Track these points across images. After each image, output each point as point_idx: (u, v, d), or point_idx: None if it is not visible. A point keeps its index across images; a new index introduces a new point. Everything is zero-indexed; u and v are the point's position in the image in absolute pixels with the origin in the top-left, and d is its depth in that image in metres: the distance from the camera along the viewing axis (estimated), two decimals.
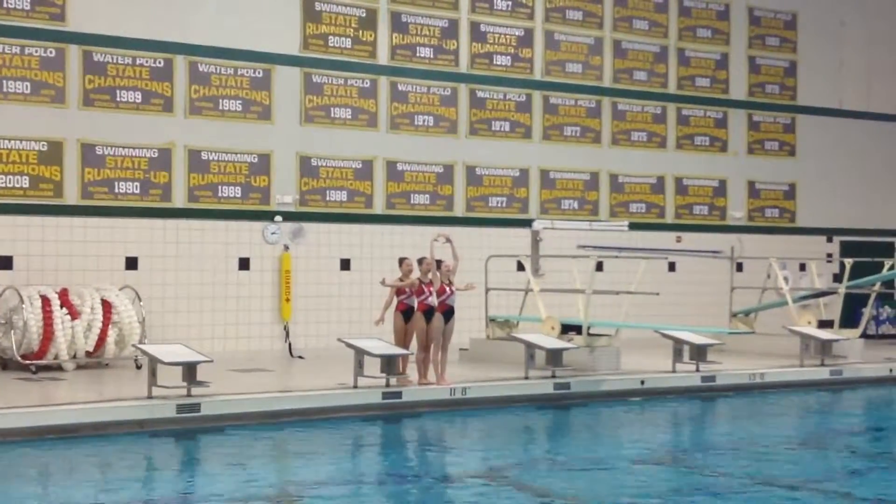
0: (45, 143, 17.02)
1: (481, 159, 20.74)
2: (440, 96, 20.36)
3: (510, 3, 21.12)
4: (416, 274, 14.75)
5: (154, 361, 13.10)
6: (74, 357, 15.87)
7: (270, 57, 18.77)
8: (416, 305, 14.68)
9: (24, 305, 15.60)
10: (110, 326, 16.04)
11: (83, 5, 17.28)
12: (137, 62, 17.69)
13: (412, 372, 14.77)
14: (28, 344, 15.62)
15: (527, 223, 20.35)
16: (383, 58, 19.85)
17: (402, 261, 14.91)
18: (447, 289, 14.63)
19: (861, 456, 12.69)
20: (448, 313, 14.67)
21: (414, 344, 14.79)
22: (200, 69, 18.19)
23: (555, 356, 15.66)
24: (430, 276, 14.62)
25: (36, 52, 16.97)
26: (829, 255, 23.99)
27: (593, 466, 11.55)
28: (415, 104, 20.10)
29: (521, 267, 18.62)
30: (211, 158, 18.25)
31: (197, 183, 18.13)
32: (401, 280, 14.76)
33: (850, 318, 20.12)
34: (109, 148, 17.47)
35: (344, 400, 13.94)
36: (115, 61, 17.53)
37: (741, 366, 17.54)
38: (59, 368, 15.80)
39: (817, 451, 13.01)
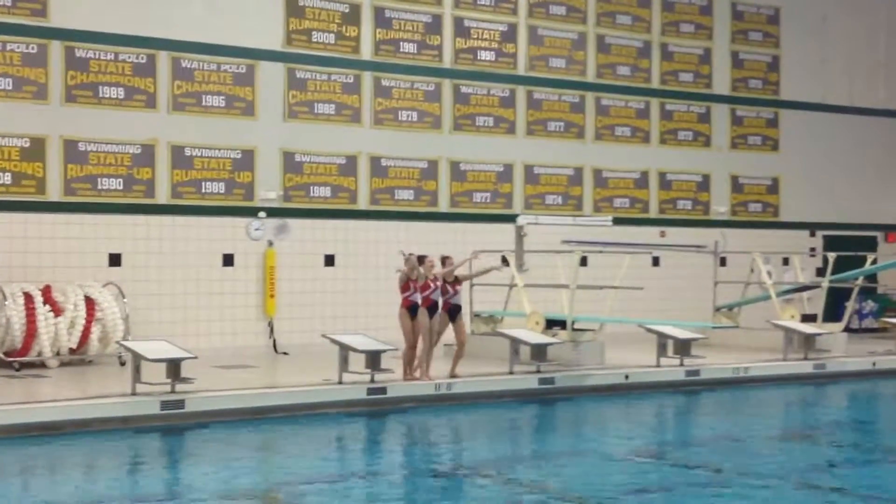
0: (27, 139, 16.94)
1: (465, 155, 20.75)
2: (424, 91, 20.35)
3: None
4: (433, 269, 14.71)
5: (138, 358, 13.07)
6: (58, 354, 15.82)
7: (254, 52, 18.73)
8: (420, 301, 14.55)
9: (6, 302, 15.54)
10: (94, 323, 15.99)
11: (65, 1, 17.19)
12: (120, 58, 17.63)
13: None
14: (11, 341, 15.55)
15: (511, 218, 20.32)
16: (367, 53, 19.82)
17: (408, 257, 14.70)
18: (431, 284, 14.61)
19: (844, 449, 12.75)
20: (432, 308, 14.65)
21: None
22: (183, 65, 18.13)
23: (539, 351, 15.68)
24: (415, 273, 14.57)
25: (18, 48, 16.89)
26: (813, 250, 24.07)
27: (578, 461, 11.58)
28: (398, 99, 20.08)
29: (505, 262, 18.62)
30: (194, 154, 18.20)
31: (180, 179, 18.07)
32: (408, 276, 14.52)
33: (833, 312, 20.18)
34: (92, 144, 17.40)
35: (329, 396, 13.94)
36: (97, 57, 17.47)
37: (725, 360, 17.59)
38: (43, 366, 15.74)
39: (801, 445, 13.06)
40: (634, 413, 14.98)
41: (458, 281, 15.03)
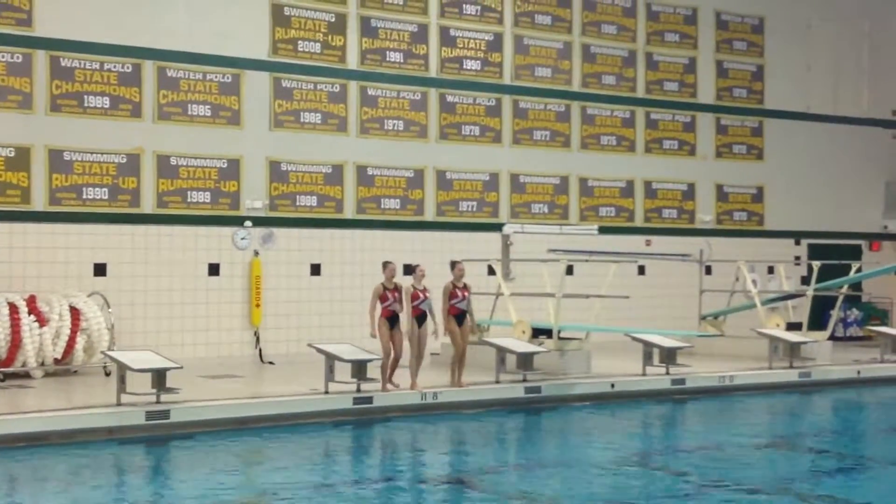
0: (12, 148, 16.89)
1: (451, 164, 20.77)
2: (410, 101, 20.37)
3: (479, 7, 21.17)
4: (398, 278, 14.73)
5: (123, 368, 13.03)
6: (42, 364, 15.75)
7: (239, 62, 18.72)
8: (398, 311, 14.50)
9: None
10: (79, 333, 15.93)
11: (50, 10, 17.17)
12: (105, 67, 17.60)
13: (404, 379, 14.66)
14: None
15: (497, 227, 20.38)
16: (353, 62, 19.84)
17: (385, 265, 14.70)
18: (420, 294, 14.59)
19: (829, 457, 12.78)
20: (421, 318, 14.63)
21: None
22: (169, 74, 18.11)
23: (525, 360, 15.68)
24: (395, 281, 14.54)
25: (3, 57, 16.85)
26: (797, 258, 24.16)
27: (564, 470, 11.58)
28: (385, 109, 20.09)
29: (491, 271, 18.65)
30: (180, 164, 18.17)
31: (166, 188, 18.05)
32: (385, 286, 14.46)
33: (818, 320, 20.26)
34: (77, 154, 17.36)
35: (315, 405, 13.90)
36: (82, 66, 17.44)
37: (711, 368, 17.62)
38: (27, 376, 15.67)
39: (786, 453, 13.09)
40: (620, 422, 14.98)
41: (466, 287, 15.06)
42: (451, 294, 15.00)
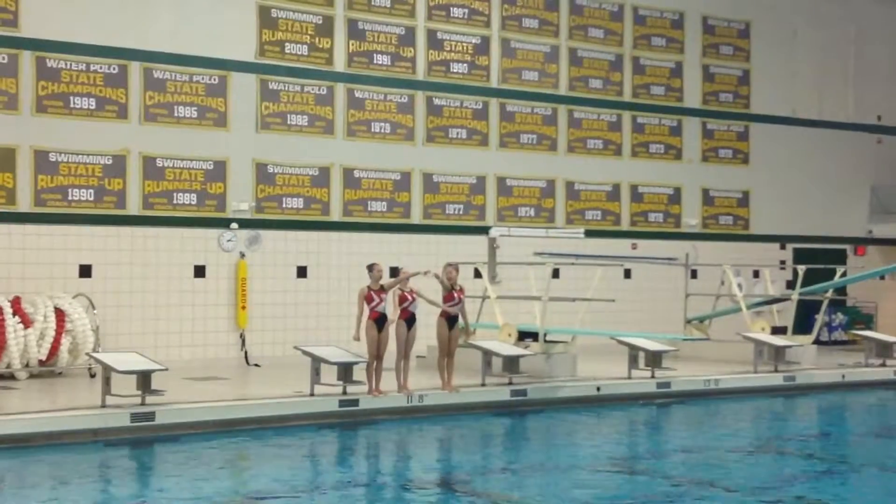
0: None
1: (438, 166, 20.78)
2: (397, 103, 20.37)
3: (467, 10, 21.20)
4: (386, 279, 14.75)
5: (108, 370, 13.00)
6: (27, 366, 15.70)
7: (226, 63, 18.71)
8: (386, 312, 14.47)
9: None
10: (64, 335, 15.88)
11: (36, 11, 17.12)
12: (91, 68, 17.56)
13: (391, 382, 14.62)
14: None
15: (483, 230, 20.37)
16: (340, 65, 19.83)
17: (371, 266, 14.62)
18: (408, 296, 14.57)
19: (813, 461, 12.82)
20: (410, 321, 14.60)
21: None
22: (155, 75, 18.08)
23: (511, 363, 15.69)
24: (381, 283, 14.52)
25: None
26: (783, 262, 24.23)
27: (550, 473, 11.59)
28: (371, 111, 20.09)
29: (478, 274, 18.65)
30: (166, 165, 18.14)
31: (152, 190, 18.01)
32: (370, 287, 14.42)
33: (803, 324, 20.33)
34: (63, 155, 17.31)
35: (300, 408, 13.90)
36: (68, 67, 17.39)
37: (696, 372, 17.67)
38: (12, 377, 15.62)
39: (771, 457, 13.13)
40: (605, 425, 15.01)
41: (461, 290, 15.05)
42: (445, 297, 14.99)
